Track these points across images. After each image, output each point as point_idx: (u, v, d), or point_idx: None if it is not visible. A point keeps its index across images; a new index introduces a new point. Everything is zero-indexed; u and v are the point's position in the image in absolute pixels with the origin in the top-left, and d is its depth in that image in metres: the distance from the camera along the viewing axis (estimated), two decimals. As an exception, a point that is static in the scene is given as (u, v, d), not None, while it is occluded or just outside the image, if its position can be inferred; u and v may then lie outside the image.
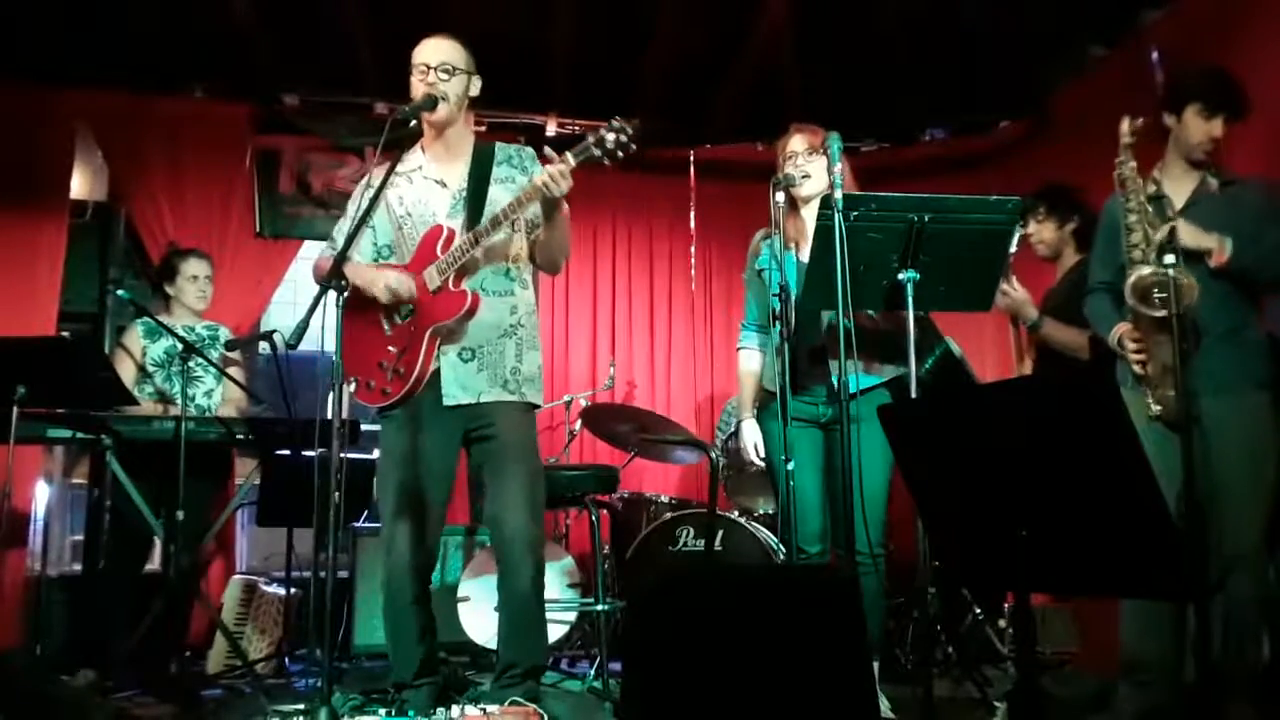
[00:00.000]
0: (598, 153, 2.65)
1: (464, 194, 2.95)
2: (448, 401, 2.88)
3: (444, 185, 2.98)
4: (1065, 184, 3.80)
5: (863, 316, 3.02)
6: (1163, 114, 2.94)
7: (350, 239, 2.69)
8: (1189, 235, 2.72)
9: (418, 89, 2.89)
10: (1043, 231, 3.68)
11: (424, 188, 2.98)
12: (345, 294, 2.62)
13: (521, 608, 2.87)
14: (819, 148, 3.06)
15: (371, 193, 2.75)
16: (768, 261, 3.13)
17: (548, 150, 2.75)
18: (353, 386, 2.90)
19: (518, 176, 2.99)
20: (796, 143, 3.14)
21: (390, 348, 2.91)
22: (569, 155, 2.68)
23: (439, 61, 2.88)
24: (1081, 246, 3.61)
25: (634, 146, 2.63)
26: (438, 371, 2.89)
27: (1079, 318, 3.26)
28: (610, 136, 2.63)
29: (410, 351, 2.86)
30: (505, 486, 2.86)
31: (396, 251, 3.00)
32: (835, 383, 2.82)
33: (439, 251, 2.86)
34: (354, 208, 2.99)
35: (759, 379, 3.23)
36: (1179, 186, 2.92)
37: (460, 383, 2.88)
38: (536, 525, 2.88)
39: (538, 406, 3.03)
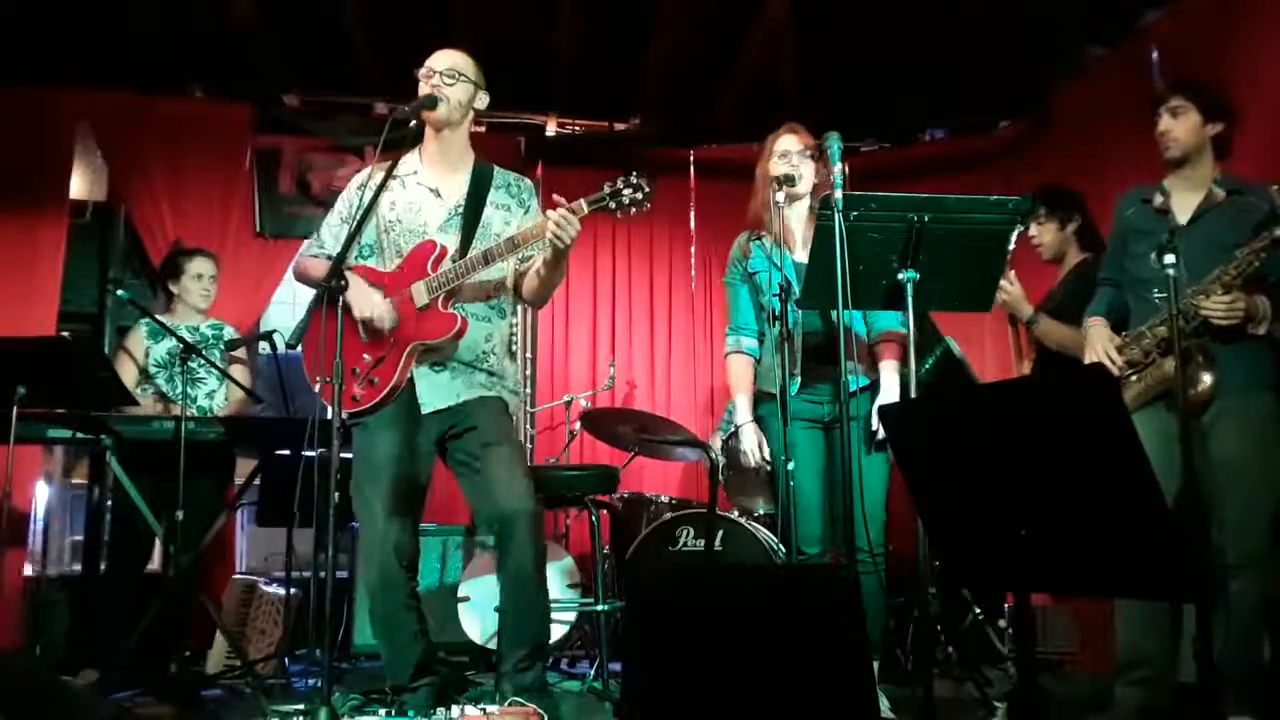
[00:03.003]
0: (611, 205, 2.67)
1: (460, 209, 2.92)
2: (426, 410, 2.86)
3: (438, 195, 2.94)
4: (1063, 184, 3.80)
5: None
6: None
7: (349, 242, 2.71)
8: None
9: (422, 93, 2.87)
10: (1044, 234, 3.68)
11: (417, 194, 2.94)
12: (344, 294, 2.62)
13: (525, 588, 2.81)
14: (810, 149, 3.08)
15: (370, 194, 2.75)
16: (763, 263, 3.14)
17: (556, 196, 2.72)
18: (318, 387, 2.82)
19: (513, 207, 2.97)
20: (790, 141, 3.16)
21: (365, 355, 2.86)
22: (582, 202, 2.67)
23: (446, 67, 2.88)
24: (1084, 246, 3.61)
25: (648, 206, 2.67)
26: (411, 381, 2.86)
27: (1079, 318, 3.26)
28: (626, 191, 2.65)
29: (387, 363, 2.83)
30: (497, 469, 2.81)
31: (378, 253, 2.96)
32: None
33: (429, 268, 2.83)
34: (343, 205, 2.98)
35: (754, 382, 3.21)
36: (1185, 198, 2.93)
37: (436, 391, 2.87)
38: (535, 501, 2.83)
39: (510, 412, 2.96)
